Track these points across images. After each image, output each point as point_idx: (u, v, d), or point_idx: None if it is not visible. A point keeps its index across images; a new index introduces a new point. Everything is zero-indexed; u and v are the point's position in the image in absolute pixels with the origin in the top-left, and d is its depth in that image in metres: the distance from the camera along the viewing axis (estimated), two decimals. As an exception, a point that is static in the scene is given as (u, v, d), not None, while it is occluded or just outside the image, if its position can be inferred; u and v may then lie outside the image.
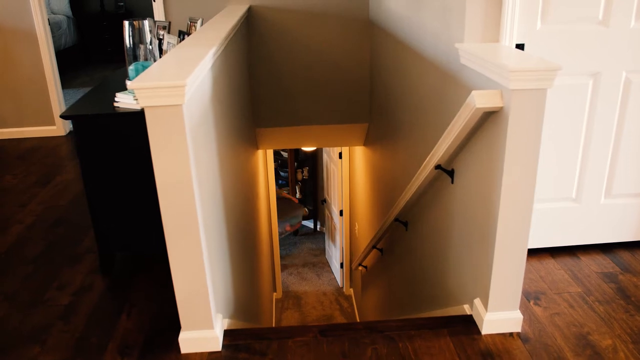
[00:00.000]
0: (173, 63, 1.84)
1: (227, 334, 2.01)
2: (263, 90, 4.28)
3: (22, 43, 4.26)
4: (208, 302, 1.85)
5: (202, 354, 1.90)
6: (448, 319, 2.10)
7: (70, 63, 7.58)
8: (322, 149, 8.28)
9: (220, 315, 2.00)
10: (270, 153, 6.72)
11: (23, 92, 4.39)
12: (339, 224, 7.27)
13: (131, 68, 2.21)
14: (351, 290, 7.13)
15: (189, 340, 1.91)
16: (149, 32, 2.17)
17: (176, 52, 2.06)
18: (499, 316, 1.96)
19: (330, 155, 7.58)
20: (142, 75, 1.65)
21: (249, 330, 2.07)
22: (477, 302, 2.03)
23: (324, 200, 8.70)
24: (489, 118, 1.83)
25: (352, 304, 6.87)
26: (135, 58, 2.18)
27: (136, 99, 2.15)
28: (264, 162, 6.22)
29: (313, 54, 4.18)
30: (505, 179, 1.76)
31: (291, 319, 6.62)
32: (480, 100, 1.73)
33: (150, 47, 2.18)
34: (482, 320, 1.97)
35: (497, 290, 1.93)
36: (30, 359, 1.93)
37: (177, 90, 1.56)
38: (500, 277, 1.90)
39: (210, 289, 1.85)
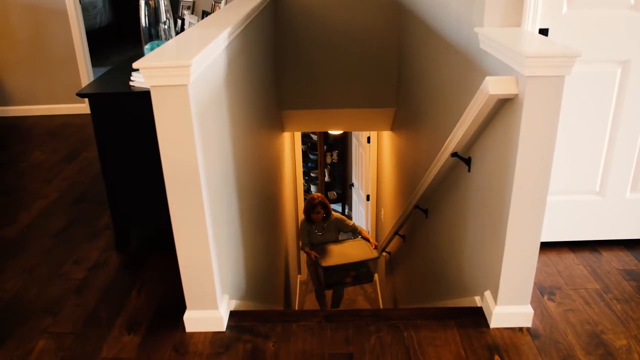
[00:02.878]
0: (183, 43, 1.84)
1: (233, 315, 2.02)
2: (289, 72, 4.25)
3: (53, 21, 4.34)
4: (213, 283, 1.86)
5: (206, 333, 1.92)
6: (457, 310, 2.06)
7: (105, 42, 7.68)
8: (351, 132, 8.23)
9: (226, 296, 2.00)
10: (298, 135, 6.72)
11: (54, 70, 4.48)
12: (366, 209, 7.23)
13: (147, 47, 2.21)
14: (375, 275, 7.11)
15: (193, 320, 1.93)
16: (164, 12, 2.17)
17: (190, 32, 2.05)
18: (509, 310, 1.91)
19: (359, 139, 7.53)
20: (150, 54, 1.65)
21: (255, 313, 2.07)
22: (487, 294, 1.98)
23: (352, 184, 8.67)
24: (505, 105, 1.76)
25: (376, 289, 6.85)
26: (151, 37, 2.18)
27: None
28: (291, 144, 6.22)
29: (341, 36, 4.11)
30: (518, 169, 1.70)
31: (314, 301, 6.64)
32: (494, 86, 1.66)
33: (166, 26, 2.17)
34: (491, 313, 1.92)
35: (507, 283, 1.87)
36: (42, 330, 1.99)
37: (182, 70, 1.56)
38: (510, 269, 1.85)
39: (215, 270, 1.86)
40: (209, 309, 1.92)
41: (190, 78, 1.58)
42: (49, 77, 4.50)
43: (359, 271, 4.60)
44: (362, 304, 6.65)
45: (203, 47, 1.69)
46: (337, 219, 4.82)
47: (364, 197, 7.26)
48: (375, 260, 4.64)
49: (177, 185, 1.72)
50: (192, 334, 1.92)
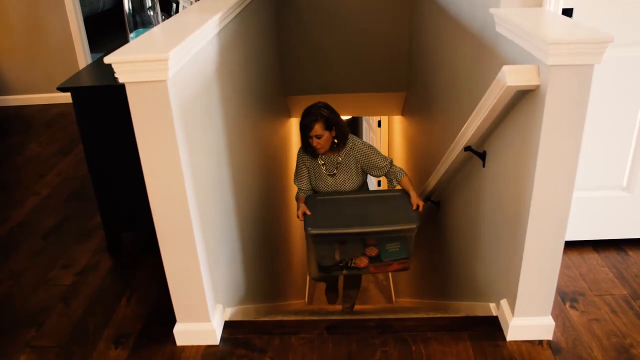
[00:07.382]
0: (164, 32, 1.66)
1: (228, 325, 1.87)
2: (295, 56, 4.06)
3: (50, 9, 4.17)
4: (203, 294, 1.71)
5: (198, 347, 1.78)
6: (470, 320, 1.90)
7: (108, 26, 7.51)
8: (362, 116, 8.01)
9: (220, 306, 1.86)
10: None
11: (52, 58, 4.32)
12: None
13: (132, 36, 2.04)
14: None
15: (184, 333, 1.78)
16: (150, -3, 2.00)
17: (176, 19, 1.88)
18: (527, 322, 1.74)
19: (370, 123, 7.32)
20: (124, 47, 1.48)
21: (251, 323, 1.93)
22: (504, 303, 1.81)
23: (364, 169, 8.46)
24: (525, 96, 1.57)
25: (387, 277, 6.70)
26: (136, 25, 2.01)
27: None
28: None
29: (349, 18, 3.91)
30: (540, 168, 1.51)
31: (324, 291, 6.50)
32: (512, 77, 1.47)
33: (151, 13, 2.00)
34: (507, 324, 1.75)
35: (526, 293, 1.70)
36: (25, 342, 1.86)
37: (158, 65, 1.39)
38: (530, 278, 1.67)
39: (206, 280, 1.71)
40: (200, 322, 1.77)
41: (170, 72, 1.41)
42: (47, 65, 4.34)
43: (384, 248, 2.46)
44: (374, 292, 6.51)
45: (185, 37, 1.52)
46: (359, 147, 2.54)
47: (375, 182, 7.08)
48: (412, 231, 2.37)
49: (159, 189, 1.56)
50: (183, 347, 1.78)
